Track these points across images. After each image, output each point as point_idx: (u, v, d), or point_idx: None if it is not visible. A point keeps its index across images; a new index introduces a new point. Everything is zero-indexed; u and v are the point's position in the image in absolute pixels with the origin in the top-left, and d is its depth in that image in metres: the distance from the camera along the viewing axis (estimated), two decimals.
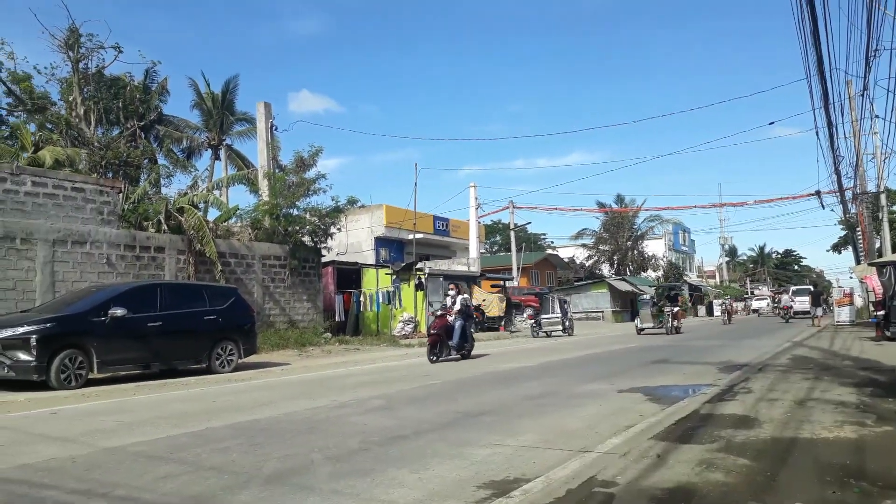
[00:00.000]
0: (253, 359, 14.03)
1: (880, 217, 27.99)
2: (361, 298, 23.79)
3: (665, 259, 57.42)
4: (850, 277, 40.02)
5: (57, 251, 14.00)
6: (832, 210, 33.05)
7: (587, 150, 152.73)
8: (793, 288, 48.29)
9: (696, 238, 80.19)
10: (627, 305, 41.91)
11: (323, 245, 21.93)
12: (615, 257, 53.89)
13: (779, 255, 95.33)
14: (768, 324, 33.22)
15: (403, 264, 26.53)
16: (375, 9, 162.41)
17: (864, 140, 26.24)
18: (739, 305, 59.63)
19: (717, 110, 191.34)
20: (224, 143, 36.24)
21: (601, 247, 54.85)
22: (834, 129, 19.00)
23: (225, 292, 13.55)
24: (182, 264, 16.75)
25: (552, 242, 66.79)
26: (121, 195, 16.07)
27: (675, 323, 23.51)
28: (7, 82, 21.97)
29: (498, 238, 64.17)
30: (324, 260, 22.38)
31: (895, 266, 17.73)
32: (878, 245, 28.71)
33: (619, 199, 55.53)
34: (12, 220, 13.34)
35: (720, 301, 42.60)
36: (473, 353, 14.75)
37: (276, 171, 22.32)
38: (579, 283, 46.52)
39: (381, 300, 23.61)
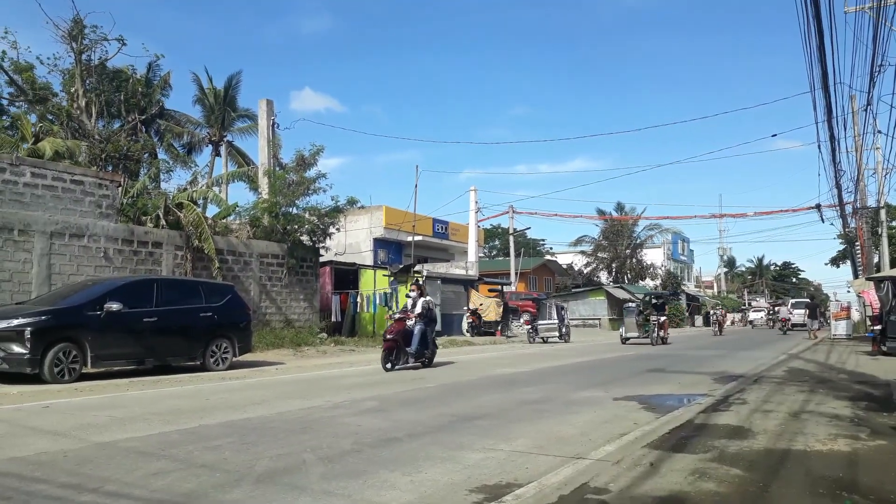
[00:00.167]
0: (248, 357, 14.00)
1: (880, 232, 28.04)
2: (358, 299, 23.74)
3: (664, 268, 57.43)
4: (848, 291, 40.04)
5: (54, 243, 13.97)
6: (832, 224, 33.18)
7: (590, 156, 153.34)
8: (791, 301, 48.42)
9: (695, 248, 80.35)
10: None
11: (321, 245, 21.90)
12: (613, 265, 53.89)
13: (777, 268, 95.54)
14: (763, 335, 33.25)
15: (402, 266, 26.51)
16: (384, 10, 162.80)
17: (865, 155, 26.36)
18: (737, 316, 59.71)
19: (721, 121, 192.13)
20: (225, 139, 36.20)
21: (600, 254, 54.84)
22: (836, 143, 19.11)
23: (221, 289, 13.52)
24: (179, 260, 16.73)
25: (551, 248, 66.96)
26: (120, 189, 16.05)
27: (662, 333, 22.81)
28: (9, 72, 21.94)
29: (497, 242, 64.21)
30: (322, 260, 22.35)
31: (893, 281, 17.76)
32: (876, 260, 28.76)
33: (620, 207, 55.63)
34: (10, 212, 13.31)
35: (711, 311, 42.42)
36: (437, 360, 13.68)
37: (277, 169, 22.30)
38: (577, 289, 46.50)
39: (378, 302, 23.58)
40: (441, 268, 30.54)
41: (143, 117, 27.39)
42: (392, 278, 24.08)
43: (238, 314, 13.26)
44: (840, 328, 27.36)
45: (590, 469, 4.56)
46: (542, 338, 24.27)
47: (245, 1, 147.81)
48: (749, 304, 62.99)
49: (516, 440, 5.78)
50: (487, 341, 24.12)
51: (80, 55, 21.52)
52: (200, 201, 19.89)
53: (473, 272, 31.60)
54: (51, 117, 21.76)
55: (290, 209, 21.13)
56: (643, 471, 4.48)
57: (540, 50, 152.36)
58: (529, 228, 52.64)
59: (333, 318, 22.68)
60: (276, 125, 22.84)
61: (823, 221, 31.31)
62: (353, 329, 23.33)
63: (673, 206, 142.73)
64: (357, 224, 32.41)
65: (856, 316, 34.29)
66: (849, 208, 28.89)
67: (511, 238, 42.09)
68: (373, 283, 24.17)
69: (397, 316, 13.16)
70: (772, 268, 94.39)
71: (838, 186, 25.20)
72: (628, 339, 23.23)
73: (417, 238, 31.55)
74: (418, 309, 12.87)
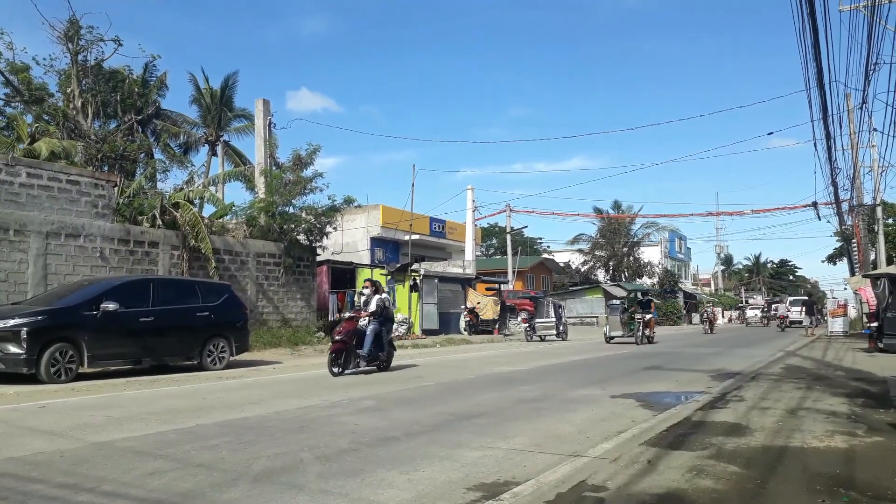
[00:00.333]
0: (245, 356, 13.99)
1: (876, 229, 28.15)
2: (356, 298, 23.72)
3: (661, 266, 57.49)
4: (845, 289, 40.23)
5: (50, 244, 13.93)
6: (828, 221, 33.36)
7: (587, 155, 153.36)
8: (789, 298, 48.63)
9: (692, 246, 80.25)
10: None
11: (318, 244, 21.88)
12: (611, 263, 53.90)
13: (774, 265, 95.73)
14: (759, 333, 33.30)
15: (399, 265, 26.51)
16: (384, 11, 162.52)
17: (861, 153, 26.47)
18: (735, 314, 59.84)
19: (717, 119, 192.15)
20: (221, 139, 36.12)
21: (597, 252, 54.86)
22: (832, 141, 19.14)
23: (218, 289, 13.50)
24: (176, 260, 16.70)
25: (548, 247, 66.97)
26: (116, 189, 16.00)
27: (647, 332, 22.04)
28: (5, 72, 21.88)
29: (494, 241, 64.24)
30: (318, 259, 22.34)
31: (889, 278, 17.81)
32: (872, 257, 28.86)
33: (617, 205, 55.61)
34: (6, 212, 13.26)
35: (702, 310, 42.14)
36: (395, 363, 12.57)
37: (273, 168, 22.28)
38: (574, 287, 46.54)
39: None
40: (438, 266, 30.54)
41: (140, 117, 27.32)
42: (389, 277, 24.07)
43: (235, 313, 13.23)
44: (837, 325, 27.43)
45: (587, 467, 4.56)
46: (540, 336, 24.27)
47: (245, 2, 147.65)
48: (746, 302, 63.11)
49: (514, 438, 5.78)
50: (485, 340, 24.12)
51: (76, 56, 21.48)
52: (197, 201, 19.85)
53: (471, 271, 31.60)
54: (47, 118, 21.72)
55: (287, 208, 21.11)
56: (641, 468, 4.48)
57: (539, 51, 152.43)
58: (527, 227, 52.88)
59: (331, 317, 22.64)
60: (272, 125, 22.83)
61: (820, 219, 31.49)
62: None
63: (670, 205, 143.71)
64: (354, 223, 32.39)
65: (852, 313, 34.44)
66: (845, 206, 28.99)
67: (508, 236, 42.09)
68: None
69: (348, 315, 11.94)
70: (769, 265, 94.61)
71: (834, 184, 25.28)
72: (612, 338, 22.30)
73: (414, 237, 31.54)
74: (372, 307, 11.65)
